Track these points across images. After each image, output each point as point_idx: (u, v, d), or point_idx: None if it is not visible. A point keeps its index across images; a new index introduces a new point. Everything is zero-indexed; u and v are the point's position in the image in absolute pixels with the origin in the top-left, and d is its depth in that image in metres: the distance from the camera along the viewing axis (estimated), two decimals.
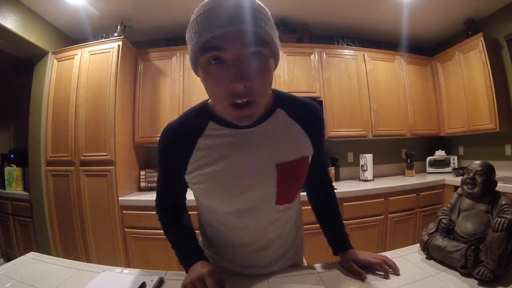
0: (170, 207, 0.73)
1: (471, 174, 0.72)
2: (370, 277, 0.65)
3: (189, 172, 0.62)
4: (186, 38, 0.51)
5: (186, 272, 0.63)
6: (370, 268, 0.67)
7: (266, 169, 0.61)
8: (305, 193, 0.84)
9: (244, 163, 0.60)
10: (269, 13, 0.51)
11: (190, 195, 0.73)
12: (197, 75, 0.53)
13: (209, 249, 0.75)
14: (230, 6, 0.45)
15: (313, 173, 0.71)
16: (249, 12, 0.45)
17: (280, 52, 0.55)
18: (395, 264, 0.66)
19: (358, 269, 0.66)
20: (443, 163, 2.81)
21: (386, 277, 0.64)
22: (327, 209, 0.80)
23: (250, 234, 0.67)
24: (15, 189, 2.49)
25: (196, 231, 0.72)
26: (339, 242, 0.75)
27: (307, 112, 0.66)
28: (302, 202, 0.81)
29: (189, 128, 0.61)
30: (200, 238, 0.80)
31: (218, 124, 0.60)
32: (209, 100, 0.62)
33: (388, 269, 0.66)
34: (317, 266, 0.73)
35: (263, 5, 0.50)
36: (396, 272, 0.65)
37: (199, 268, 0.59)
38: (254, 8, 0.47)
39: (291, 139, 0.63)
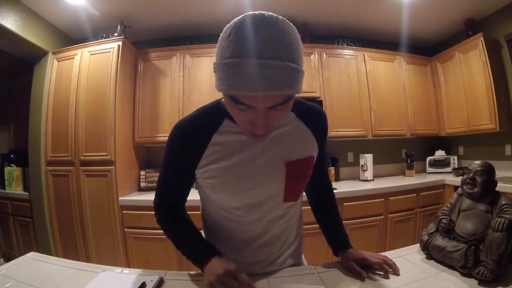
0: (172, 207, 0.72)
1: (471, 174, 0.72)
2: (370, 277, 0.65)
3: (201, 167, 0.63)
4: (217, 51, 0.48)
5: (201, 270, 0.61)
6: (370, 268, 0.67)
7: (276, 166, 0.63)
8: (304, 194, 0.85)
9: (255, 160, 0.62)
10: (299, 40, 0.47)
11: (191, 196, 0.72)
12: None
13: None
14: (261, 59, 0.42)
15: (314, 174, 0.72)
16: (282, 66, 0.43)
17: None
18: (395, 264, 0.67)
19: (358, 269, 0.66)
20: (443, 163, 2.81)
21: (386, 277, 0.64)
22: (327, 209, 0.81)
23: (256, 229, 0.68)
24: (15, 189, 2.49)
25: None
26: (339, 242, 0.76)
27: (313, 114, 0.69)
28: (302, 202, 0.81)
29: (204, 124, 0.63)
30: None
31: (233, 122, 0.61)
32: (223, 99, 0.63)
33: (388, 269, 0.66)
34: (317, 266, 0.73)
35: (296, 36, 0.46)
36: (396, 272, 0.65)
37: (222, 264, 0.57)
38: (287, 55, 0.43)
39: (300, 138, 0.66)
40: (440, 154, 2.87)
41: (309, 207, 0.85)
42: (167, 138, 0.65)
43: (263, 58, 0.42)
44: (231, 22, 0.46)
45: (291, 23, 0.47)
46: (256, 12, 0.45)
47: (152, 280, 0.65)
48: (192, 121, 0.64)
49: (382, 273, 0.65)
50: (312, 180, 0.75)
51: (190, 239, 0.67)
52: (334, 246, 0.77)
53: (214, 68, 0.48)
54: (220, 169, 0.62)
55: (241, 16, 0.45)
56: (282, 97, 0.46)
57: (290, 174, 0.64)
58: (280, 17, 0.46)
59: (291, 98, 0.49)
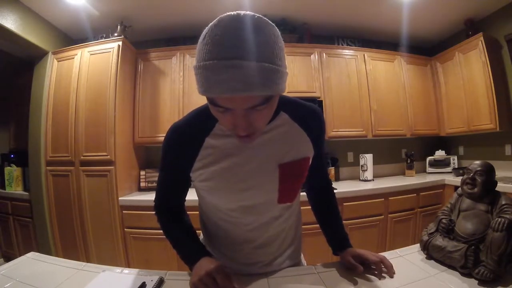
0: (171, 208, 0.73)
1: (471, 174, 0.72)
2: (369, 277, 0.65)
3: (195, 170, 0.64)
4: (195, 55, 0.48)
5: (191, 270, 0.63)
6: (368, 268, 0.67)
7: (269, 168, 0.63)
8: (305, 194, 0.85)
9: (249, 162, 0.62)
10: (279, 36, 0.47)
11: (190, 196, 0.73)
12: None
13: (210, 248, 0.76)
14: (233, 60, 0.41)
15: (313, 174, 0.72)
16: (256, 67, 0.42)
17: None
18: (392, 266, 0.66)
19: (355, 263, 0.66)
20: (443, 163, 2.81)
21: (379, 278, 0.64)
22: (327, 209, 0.81)
23: (253, 230, 0.68)
24: (15, 189, 2.49)
25: (197, 231, 0.72)
26: (338, 241, 0.76)
27: (308, 115, 0.68)
28: (301, 202, 0.81)
29: (197, 127, 0.63)
30: (201, 237, 0.81)
31: None
32: None
33: (383, 269, 0.66)
34: (317, 266, 0.73)
35: (273, 34, 0.45)
36: (390, 274, 0.65)
37: (206, 265, 0.59)
38: (261, 55, 0.42)
39: (293, 140, 0.65)
40: (440, 154, 2.87)
41: (309, 207, 0.85)
42: None
43: (235, 59, 0.41)
44: (208, 25, 0.46)
45: (268, 21, 0.46)
46: (231, 13, 0.44)
47: (152, 280, 0.65)
48: (185, 124, 0.64)
49: (376, 272, 0.66)
50: (312, 180, 0.75)
51: (183, 240, 0.69)
52: (334, 245, 0.77)
53: (194, 71, 0.48)
54: (214, 172, 0.62)
55: (216, 18, 0.45)
56: (260, 98, 0.45)
57: (283, 176, 0.64)
58: (257, 15, 0.45)
59: (270, 98, 0.47)
